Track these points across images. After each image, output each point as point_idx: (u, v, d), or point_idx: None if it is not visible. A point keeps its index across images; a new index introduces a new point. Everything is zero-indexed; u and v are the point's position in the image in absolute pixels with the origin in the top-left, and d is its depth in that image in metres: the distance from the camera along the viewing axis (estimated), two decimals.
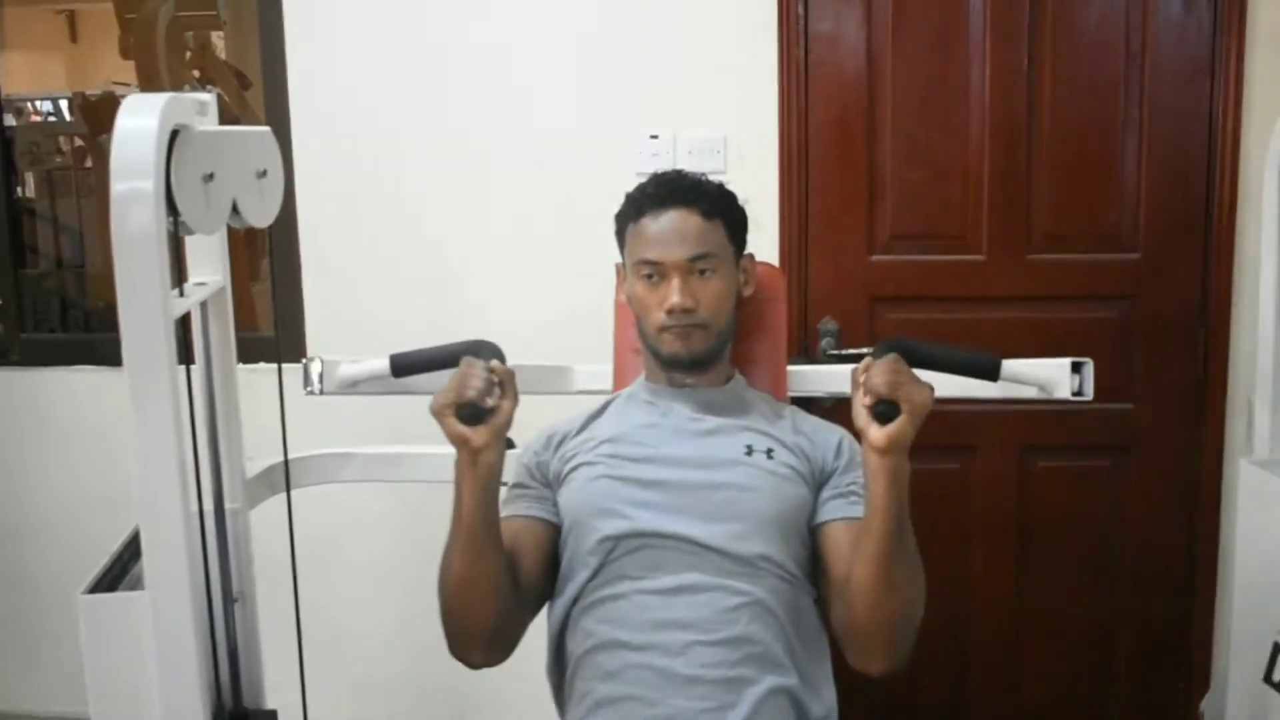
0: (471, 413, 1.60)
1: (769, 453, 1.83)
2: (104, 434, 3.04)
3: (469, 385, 1.61)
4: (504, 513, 1.77)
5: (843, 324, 2.80)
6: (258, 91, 3.25)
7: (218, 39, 4.07)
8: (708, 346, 1.88)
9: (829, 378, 2.23)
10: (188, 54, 3.89)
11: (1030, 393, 1.85)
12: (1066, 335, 2.78)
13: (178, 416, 1.58)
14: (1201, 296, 2.75)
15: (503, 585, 1.67)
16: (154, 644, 1.60)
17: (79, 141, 4.75)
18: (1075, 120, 2.73)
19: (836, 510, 1.79)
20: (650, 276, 1.86)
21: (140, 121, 1.56)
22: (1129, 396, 2.82)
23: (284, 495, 2.10)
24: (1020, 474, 2.87)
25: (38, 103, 5.86)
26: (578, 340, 2.40)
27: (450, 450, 1.66)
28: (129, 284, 1.54)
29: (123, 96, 4.53)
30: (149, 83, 3.64)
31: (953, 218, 2.77)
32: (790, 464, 1.82)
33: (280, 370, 2.05)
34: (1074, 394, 1.76)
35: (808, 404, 2.66)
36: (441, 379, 1.69)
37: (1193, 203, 2.72)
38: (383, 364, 1.89)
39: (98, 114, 4.12)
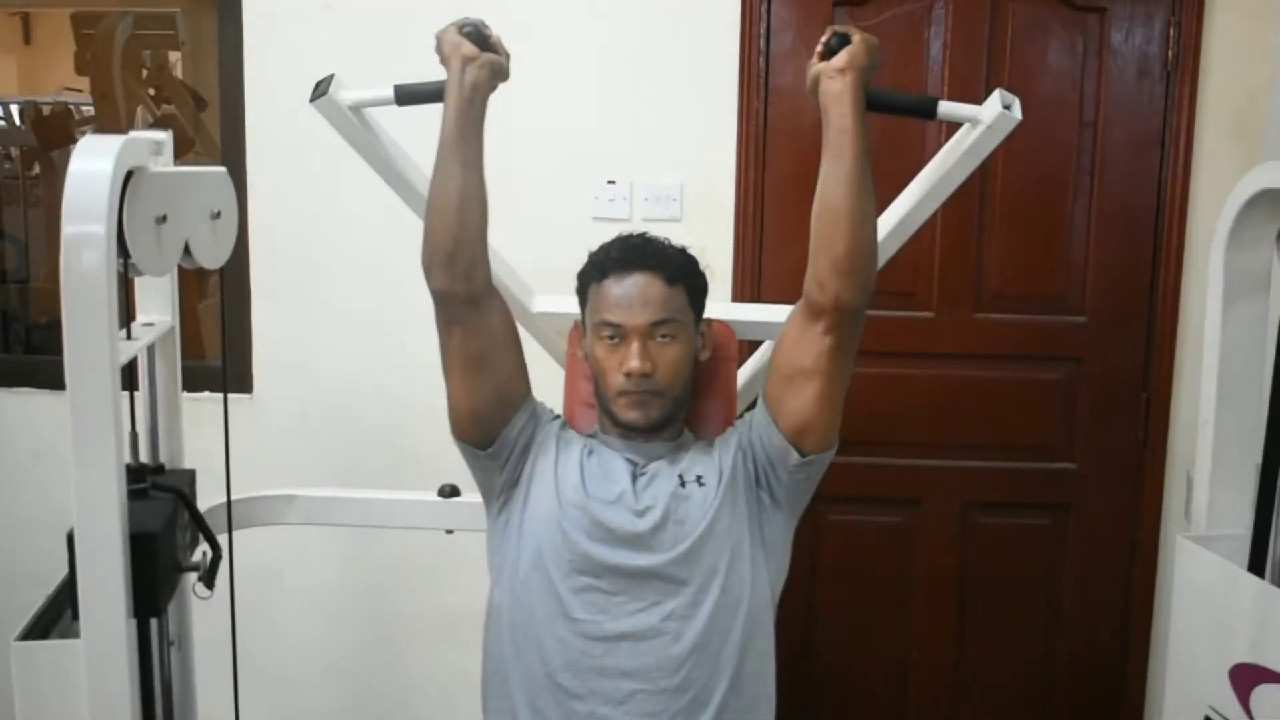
0: (474, 33, 1.78)
1: (699, 479, 1.84)
2: (41, 459, 2.99)
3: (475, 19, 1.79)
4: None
5: None
6: (213, 112, 3.23)
7: (175, 58, 4.04)
8: (664, 413, 1.89)
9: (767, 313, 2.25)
10: (144, 72, 3.86)
11: (972, 133, 1.89)
12: (1012, 393, 2.83)
13: (119, 458, 1.56)
14: (1145, 363, 2.79)
15: (469, 213, 1.77)
16: (88, 693, 1.58)
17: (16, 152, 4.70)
18: (1027, 184, 2.76)
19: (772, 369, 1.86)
20: (611, 338, 1.87)
21: (94, 164, 1.56)
22: (1070, 457, 2.86)
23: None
24: (963, 529, 2.90)
25: None
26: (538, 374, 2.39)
27: (395, 494, 1.66)
28: (76, 327, 1.53)
29: (76, 109, 4.51)
30: (103, 99, 3.60)
31: (903, 275, 2.78)
32: (723, 476, 1.84)
33: (226, 401, 2.03)
34: (1004, 108, 1.82)
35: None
36: None
37: (1140, 270, 2.76)
38: (387, 92, 1.92)
39: (50, 128, 4.08)
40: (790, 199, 2.79)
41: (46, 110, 4.52)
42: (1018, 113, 1.84)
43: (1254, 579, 1.93)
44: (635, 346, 1.84)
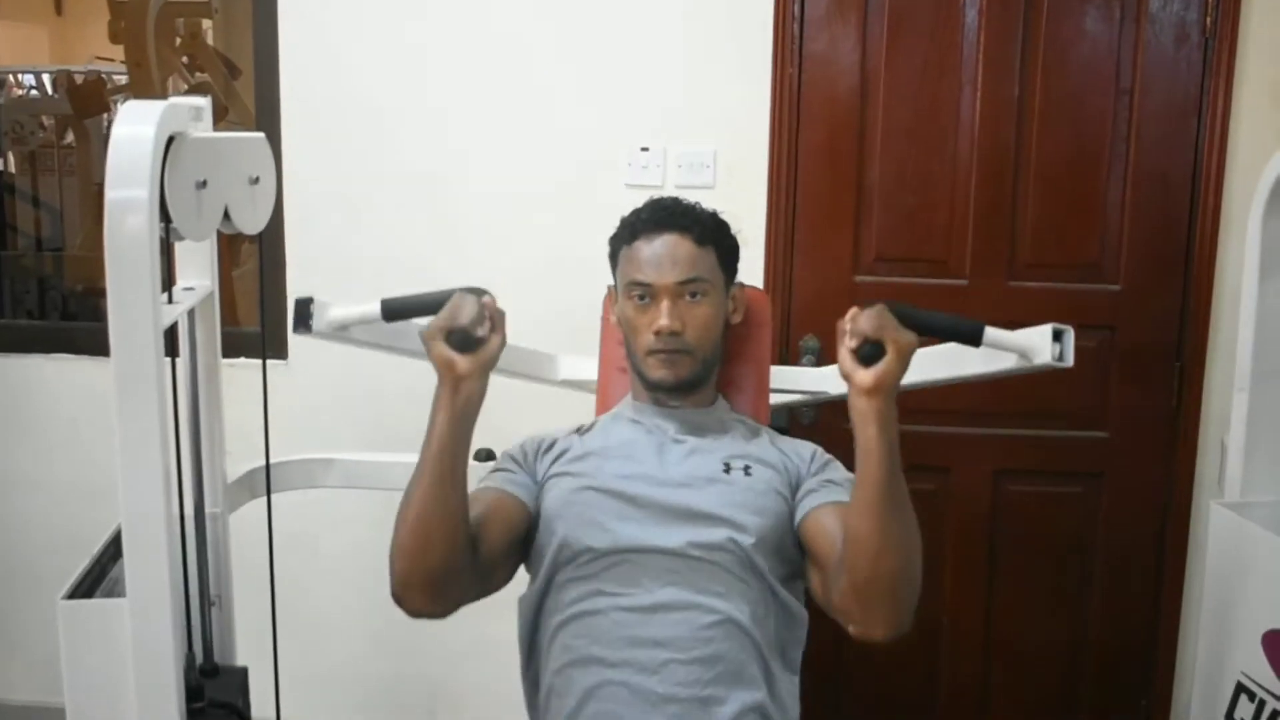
0: (461, 339, 1.62)
1: (746, 469, 1.85)
2: (78, 424, 3.03)
3: (462, 312, 1.62)
4: (483, 483, 1.80)
5: (824, 342, 2.81)
6: (247, 81, 3.24)
7: (208, 26, 4.06)
8: (693, 373, 1.90)
9: (810, 377, 2.32)
10: (177, 40, 3.88)
11: (1011, 362, 1.82)
12: None
13: (164, 423, 1.59)
14: (1179, 331, 2.78)
15: (457, 535, 1.65)
16: (132, 650, 1.61)
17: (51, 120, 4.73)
18: (1062, 151, 2.75)
19: (817, 499, 1.81)
20: (641, 298, 1.89)
21: (137, 129, 1.57)
22: (1103, 425, 2.85)
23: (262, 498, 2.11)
24: (994, 496, 2.90)
25: (20, 75, 5.80)
26: (568, 348, 2.43)
27: None
28: (120, 291, 1.55)
29: (108, 77, 4.54)
30: (137, 68, 3.63)
31: (937, 242, 2.79)
32: (767, 479, 1.85)
33: (265, 369, 2.05)
34: (1055, 360, 1.72)
35: (793, 414, 2.70)
36: None
37: (1175, 238, 2.75)
38: (374, 308, 1.85)
39: (85, 96, 4.10)
40: (823, 167, 2.79)
41: (79, 80, 4.55)
42: (1069, 361, 1.74)
43: None
44: (665, 305, 1.86)
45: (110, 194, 1.53)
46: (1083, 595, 2.92)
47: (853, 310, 1.58)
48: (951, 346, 1.88)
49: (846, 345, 1.56)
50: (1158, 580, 2.88)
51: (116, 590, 1.72)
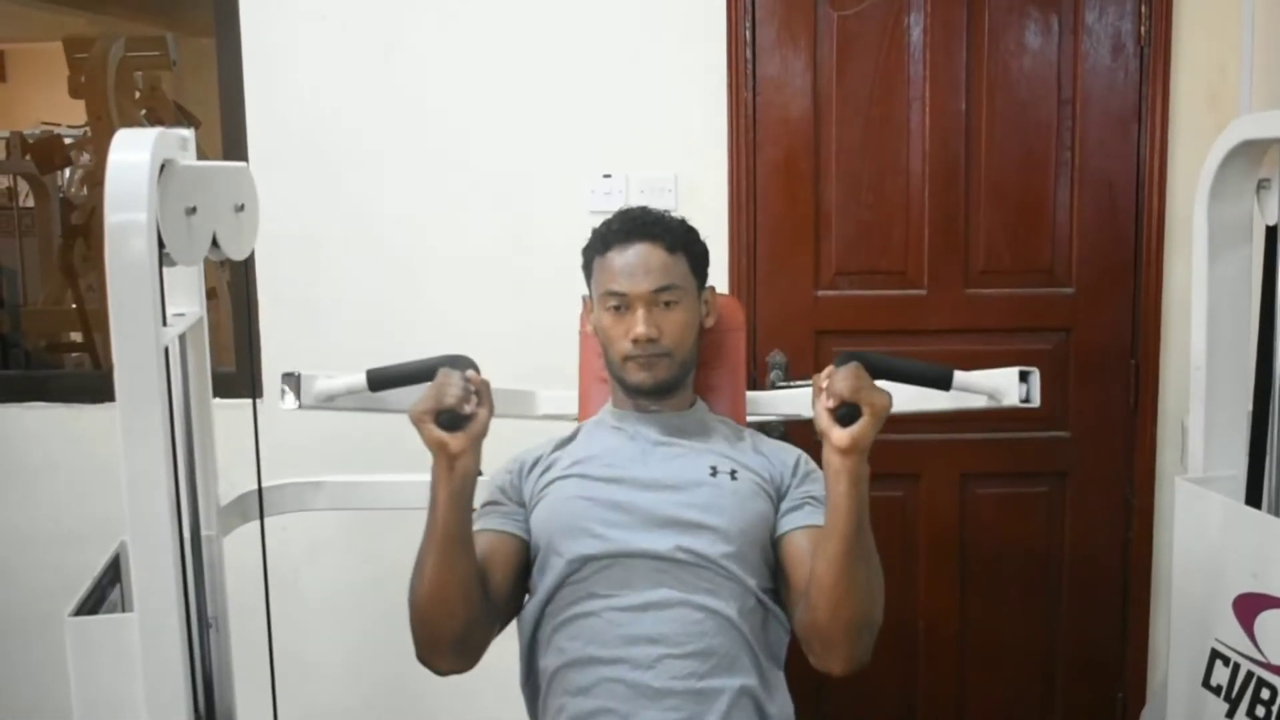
0: (450, 419, 1.66)
1: (732, 473, 1.91)
2: (55, 471, 3.04)
3: (447, 392, 1.67)
4: (476, 526, 1.83)
5: (790, 356, 2.88)
6: (206, 131, 3.28)
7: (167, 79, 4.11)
8: (671, 375, 1.96)
9: (783, 401, 2.36)
10: (137, 93, 3.92)
11: (980, 402, 1.92)
12: (1005, 365, 2.87)
13: (168, 442, 1.61)
14: (1132, 329, 2.88)
15: (473, 594, 1.72)
16: (142, 664, 1.63)
17: (9, 182, 4.75)
18: (1011, 161, 2.85)
19: (796, 520, 1.86)
20: (617, 308, 1.94)
21: (133, 155, 1.60)
22: (1065, 425, 2.94)
23: (247, 527, 2.14)
24: (962, 500, 2.97)
25: None
26: (535, 371, 2.46)
27: (417, 477, 1.76)
28: (123, 313, 1.58)
29: (65, 137, 4.56)
30: (98, 121, 3.66)
31: (894, 254, 2.88)
32: (752, 482, 1.90)
33: (255, 404, 2.09)
34: (1022, 401, 1.82)
35: (763, 429, 2.75)
36: (417, 394, 1.73)
37: (1123, 240, 2.86)
38: (359, 379, 1.91)
39: (44, 152, 4.13)
40: (781, 186, 2.87)
41: (32, 140, 4.57)
42: (1036, 401, 1.85)
43: (1253, 511, 2.02)
44: (641, 313, 1.91)
45: (110, 218, 1.56)
46: (1054, 591, 2.99)
47: (829, 369, 1.66)
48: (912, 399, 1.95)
49: (823, 404, 1.62)
50: (1124, 571, 2.97)
51: (115, 611, 1.75)
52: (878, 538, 2.95)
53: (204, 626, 2.02)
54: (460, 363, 1.74)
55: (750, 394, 2.26)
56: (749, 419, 2.22)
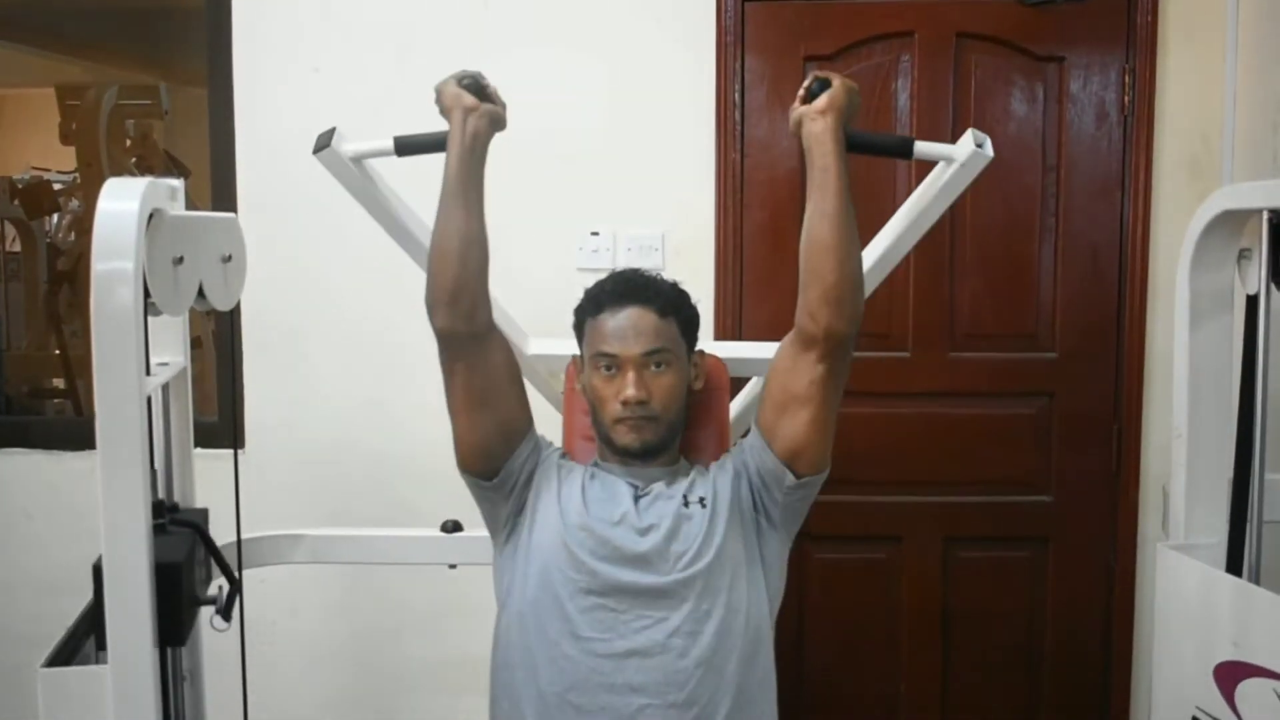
0: (473, 84, 1.87)
1: (701, 501, 1.91)
2: (32, 518, 3.02)
3: (470, 71, 1.88)
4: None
5: None
6: (196, 181, 3.29)
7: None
8: (659, 437, 1.96)
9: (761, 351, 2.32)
10: (128, 141, 3.93)
11: (949, 173, 1.98)
12: (987, 429, 2.92)
13: (148, 492, 1.61)
14: (1115, 394, 2.90)
15: (471, 256, 1.85)
16: (114, 715, 1.61)
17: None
18: (996, 227, 2.89)
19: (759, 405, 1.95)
20: (608, 369, 1.95)
21: (122, 204, 1.61)
22: (1047, 489, 2.95)
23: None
24: (945, 563, 2.97)
25: None
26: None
27: (397, 532, 1.89)
28: (106, 361, 1.58)
29: (54, 183, 4.58)
30: (89, 168, 3.68)
31: (879, 316, 2.89)
32: (724, 496, 1.91)
33: (236, 454, 2.08)
34: (977, 145, 1.91)
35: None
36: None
37: (1106, 306, 2.88)
38: (387, 143, 1.99)
39: (33, 198, 4.13)
40: (767, 247, 2.90)
41: (21, 185, 4.58)
42: (989, 150, 1.94)
43: (1233, 579, 2.02)
44: (631, 376, 1.92)
45: (98, 266, 1.57)
46: (1035, 655, 2.99)
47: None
48: (901, 215, 2.10)
49: (798, 95, 1.84)
50: (1106, 637, 2.96)
51: (89, 663, 1.73)
52: (860, 599, 2.97)
53: (178, 679, 1.99)
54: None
55: (715, 344, 2.30)
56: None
